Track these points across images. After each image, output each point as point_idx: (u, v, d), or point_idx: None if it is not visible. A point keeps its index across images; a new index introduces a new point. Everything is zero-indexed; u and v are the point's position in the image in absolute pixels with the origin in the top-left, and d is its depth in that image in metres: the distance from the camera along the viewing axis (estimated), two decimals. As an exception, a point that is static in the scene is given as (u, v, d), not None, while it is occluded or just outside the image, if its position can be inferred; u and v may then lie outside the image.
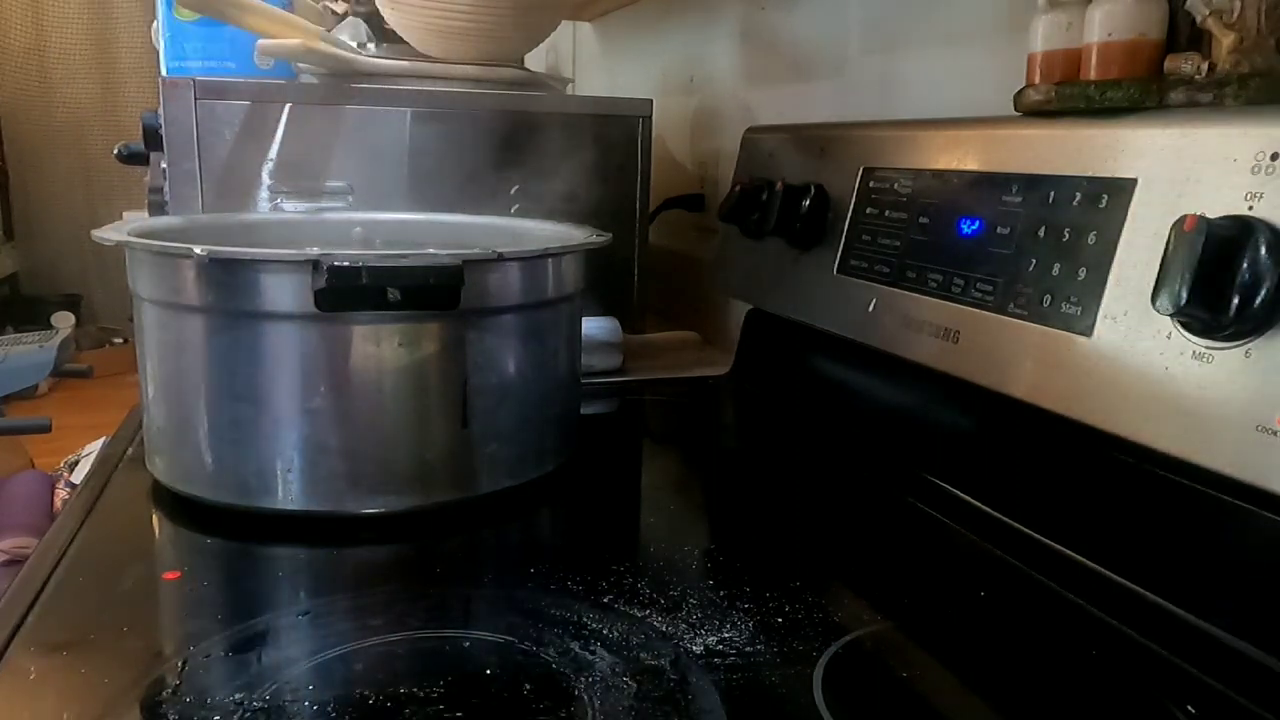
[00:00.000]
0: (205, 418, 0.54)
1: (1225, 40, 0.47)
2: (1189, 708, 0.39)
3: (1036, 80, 0.57)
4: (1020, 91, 0.57)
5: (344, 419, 0.53)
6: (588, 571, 0.48)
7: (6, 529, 1.19)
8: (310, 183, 0.87)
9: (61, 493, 1.36)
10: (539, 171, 0.93)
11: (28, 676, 0.40)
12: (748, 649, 0.42)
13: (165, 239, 0.56)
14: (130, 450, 0.65)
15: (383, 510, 0.55)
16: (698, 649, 0.41)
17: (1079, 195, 0.51)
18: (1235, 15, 0.46)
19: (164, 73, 0.99)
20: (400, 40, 0.97)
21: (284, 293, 0.51)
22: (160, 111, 0.83)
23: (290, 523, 0.54)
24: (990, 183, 0.58)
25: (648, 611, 0.45)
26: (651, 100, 0.97)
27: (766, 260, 0.80)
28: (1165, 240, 0.43)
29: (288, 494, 0.53)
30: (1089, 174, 0.51)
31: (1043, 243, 0.53)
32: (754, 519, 0.59)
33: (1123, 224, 0.48)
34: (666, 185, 1.15)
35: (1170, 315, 0.44)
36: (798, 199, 0.74)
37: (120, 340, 2.92)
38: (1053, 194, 0.53)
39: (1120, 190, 0.49)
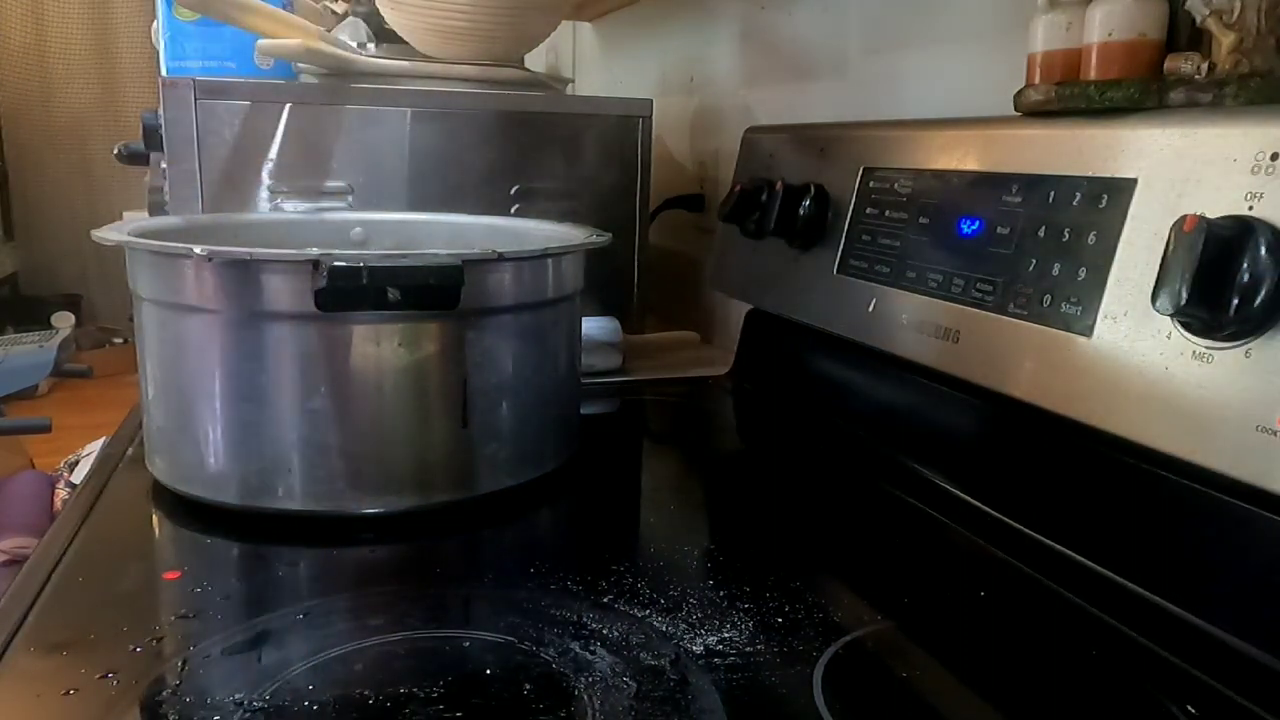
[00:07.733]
0: (205, 418, 0.54)
1: (1225, 40, 0.47)
2: (1189, 708, 0.39)
3: (1036, 80, 0.57)
4: (1020, 91, 0.57)
5: (344, 419, 0.53)
6: (588, 571, 0.48)
7: (6, 529, 1.19)
8: (310, 183, 0.87)
9: (61, 493, 1.36)
10: (539, 171, 0.93)
11: (28, 676, 0.40)
12: (748, 649, 0.42)
13: (165, 239, 0.56)
14: (130, 450, 0.65)
15: (383, 510, 0.55)
16: (698, 649, 0.41)
17: (1079, 195, 0.51)
18: (1235, 15, 0.46)
19: (164, 73, 0.99)
20: (400, 40, 0.97)
21: (284, 293, 0.51)
22: (160, 111, 0.83)
23: (290, 523, 0.54)
24: (990, 183, 0.58)
25: (648, 611, 0.45)
26: (651, 100, 0.97)
27: (766, 260, 0.80)
28: (1165, 240, 0.43)
29: (288, 494, 0.53)
30: (1089, 174, 0.51)
31: (1043, 243, 0.53)
32: (754, 519, 0.59)
33: (1123, 224, 0.48)
34: (666, 185, 1.15)
35: (1170, 315, 0.44)
36: (798, 199, 0.74)
37: (120, 340, 2.92)
38: (1053, 194, 0.53)
39: (1120, 190, 0.49)
